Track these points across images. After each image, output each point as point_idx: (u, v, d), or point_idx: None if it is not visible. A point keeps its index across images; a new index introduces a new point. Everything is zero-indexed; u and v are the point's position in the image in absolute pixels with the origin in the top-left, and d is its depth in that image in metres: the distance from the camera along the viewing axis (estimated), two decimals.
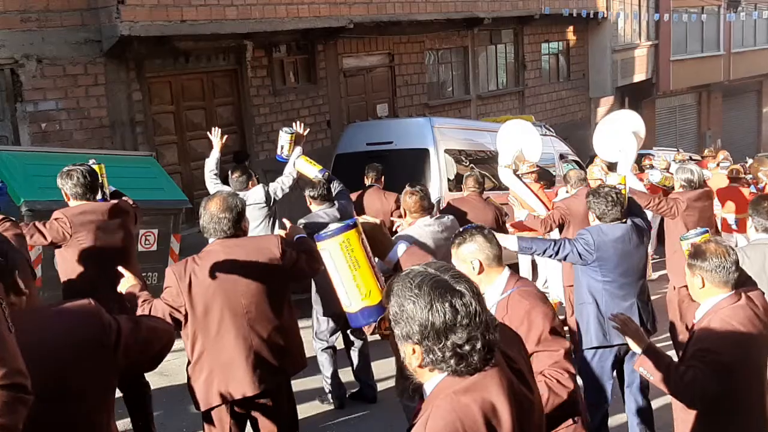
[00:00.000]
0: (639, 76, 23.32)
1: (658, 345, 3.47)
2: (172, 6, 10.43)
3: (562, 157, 12.60)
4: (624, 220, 4.94)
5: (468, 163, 10.98)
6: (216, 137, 7.11)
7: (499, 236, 3.84)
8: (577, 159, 13.16)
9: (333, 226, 2.30)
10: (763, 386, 3.13)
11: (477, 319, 1.82)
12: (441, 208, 8.22)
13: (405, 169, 9.20)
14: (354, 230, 2.24)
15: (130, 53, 10.38)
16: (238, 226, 3.96)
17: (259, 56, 12.38)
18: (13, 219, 4.33)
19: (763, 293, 3.23)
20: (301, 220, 5.81)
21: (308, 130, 7.34)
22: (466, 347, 1.81)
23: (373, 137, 10.69)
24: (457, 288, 1.84)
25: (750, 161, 13.93)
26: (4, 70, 9.40)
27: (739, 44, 27.23)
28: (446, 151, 10.46)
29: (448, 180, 10.29)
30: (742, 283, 3.20)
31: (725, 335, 2.97)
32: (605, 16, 20.57)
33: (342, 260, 2.21)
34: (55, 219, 4.78)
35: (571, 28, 20.56)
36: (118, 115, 10.47)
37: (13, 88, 9.47)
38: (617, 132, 8.13)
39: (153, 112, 11.08)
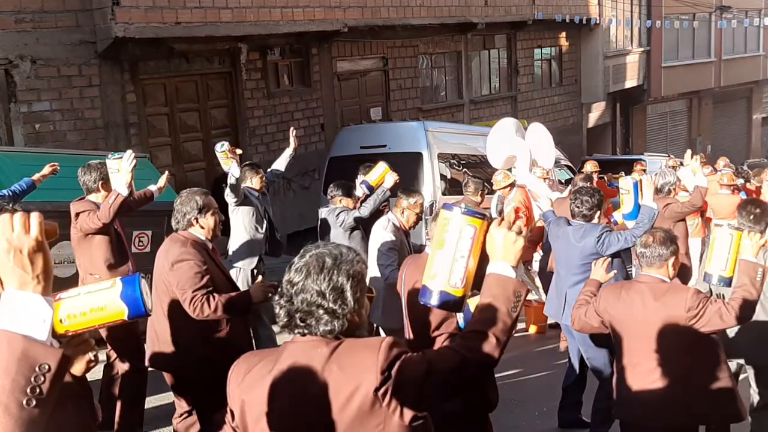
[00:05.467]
0: (630, 82, 23.46)
1: None
2: (167, 8, 10.44)
3: (554, 162, 12.65)
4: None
5: (461, 167, 11.03)
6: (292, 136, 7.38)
7: None
8: (569, 164, 13.24)
9: (474, 209, 2.25)
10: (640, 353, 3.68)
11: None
12: (435, 211, 8.25)
13: (398, 172, 9.20)
14: (488, 224, 2.21)
15: (125, 55, 10.38)
16: (182, 221, 4.18)
17: (254, 59, 12.40)
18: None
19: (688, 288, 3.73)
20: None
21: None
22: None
23: (366, 140, 10.71)
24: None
25: (744, 167, 14.04)
26: None
27: (730, 51, 27.43)
28: (440, 154, 10.50)
29: (442, 181, 10.33)
30: None
31: (613, 293, 3.81)
32: (597, 22, 20.70)
33: (468, 243, 2.16)
34: None
35: (563, 33, 20.68)
36: (112, 117, 10.47)
37: (7, 88, 9.45)
38: (506, 139, 8.38)
39: (147, 113, 11.09)
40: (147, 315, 2.00)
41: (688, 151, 7.78)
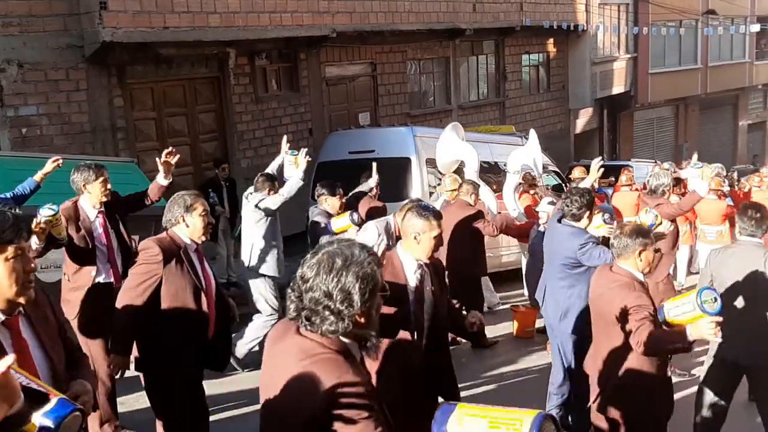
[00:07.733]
0: (618, 88, 23.60)
1: None
2: (154, 12, 10.42)
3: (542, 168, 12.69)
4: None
5: None
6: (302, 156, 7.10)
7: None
8: (556, 170, 13.29)
9: None
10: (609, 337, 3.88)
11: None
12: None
13: (387, 177, 9.24)
14: None
15: (112, 59, 10.35)
16: (171, 219, 4.23)
17: (242, 64, 12.39)
18: None
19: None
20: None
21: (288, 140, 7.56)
22: None
23: (355, 146, 10.71)
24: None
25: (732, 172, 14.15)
26: None
27: (716, 58, 27.63)
28: (428, 160, 10.52)
29: (430, 188, 10.35)
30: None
31: (595, 280, 4.08)
32: (585, 28, 20.82)
33: None
34: None
35: (551, 40, 20.79)
36: (99, 121, 10.42)
37: None
38: (453, 144, 8.67)
39: (134, 118, 11.05)
40: None
41: (695, 154, 7.84)
